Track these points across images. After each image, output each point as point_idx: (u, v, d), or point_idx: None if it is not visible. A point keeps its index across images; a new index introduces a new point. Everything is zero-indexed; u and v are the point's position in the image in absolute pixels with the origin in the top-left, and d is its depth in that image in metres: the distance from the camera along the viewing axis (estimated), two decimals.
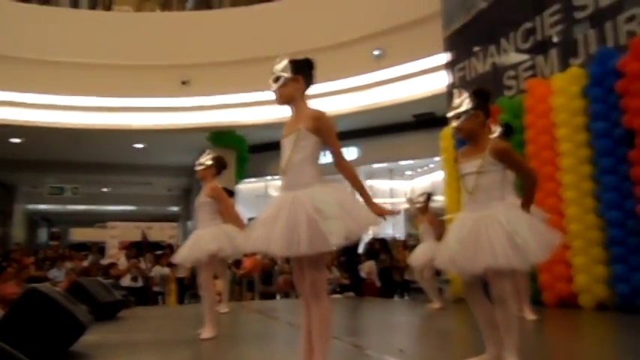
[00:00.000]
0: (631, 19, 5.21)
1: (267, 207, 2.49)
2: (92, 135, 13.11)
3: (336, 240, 2.21)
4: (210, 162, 4.20)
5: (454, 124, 2.78)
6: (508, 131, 4.86)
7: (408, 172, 16.04)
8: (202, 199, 4.09)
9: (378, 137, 14.32)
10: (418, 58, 11.51)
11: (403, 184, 16.53)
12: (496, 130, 4.77)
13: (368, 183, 17.07)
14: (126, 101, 12.71)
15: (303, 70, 2.54)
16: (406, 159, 14.89)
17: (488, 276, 2.55)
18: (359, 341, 3.58)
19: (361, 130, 14.52)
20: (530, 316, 4.44)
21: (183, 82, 12.76)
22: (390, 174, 16.72)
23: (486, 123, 2.87)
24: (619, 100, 4.92)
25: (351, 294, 8.65)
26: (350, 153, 15.94)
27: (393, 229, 15.74)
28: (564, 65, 6.01)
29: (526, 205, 2.67)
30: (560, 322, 4.90)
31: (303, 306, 2.43)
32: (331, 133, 2.45)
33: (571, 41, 6.03)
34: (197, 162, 4.25)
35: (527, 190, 2.72)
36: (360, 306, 6.85)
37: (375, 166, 16.42)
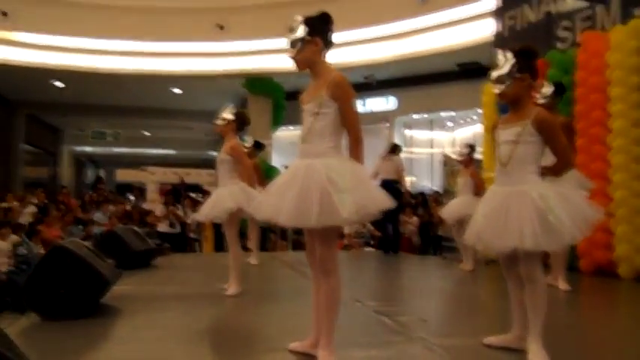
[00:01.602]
0: None
1: (282, 174, 2.40)
2: (130, 79, 13.22)
3: (347, 214, 2.10)
4: (230, 117, 4.07)
5: (496, 89, 2.55)
6: (560, 91, 4.51)
7: (450, 124, 15.56)
8: (222, 156, 4.03)
9: (418, 87, 13.86)
10: (464, 3, 10.84)
11: (444, 135, 16.09)
12: (548, 89, 4.43)
13: (407, 133, 16.74)
14: (162, 45, 12.66)
15: (320, 29, 2.34)
16: (447, 110, 14.41)
17: (518, 254, 2.41)
18: (381, 307, 3.53)
19: (401, 79, 14.06)
20: (563, 286, 4.27)
21: (220, 27, 12.53)
22: (431, 124, 16.29)
23: (533, 86, 2.63)
24: None
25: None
26: (389, 102, 15.57)
27: (431, 182, 15.51)
28: (627, 16, 5.47)
29: (544, 173, 2.46)
30: (596, 293, 4.74)
31: (312, 279, 2.37)
32: (349, 102, 2.28)
33: None
34: (217, 116, 4.12)
35: (555, 171, 2.51)
36: (390, 264, 6.82)
37: (415, 116, 16.00)
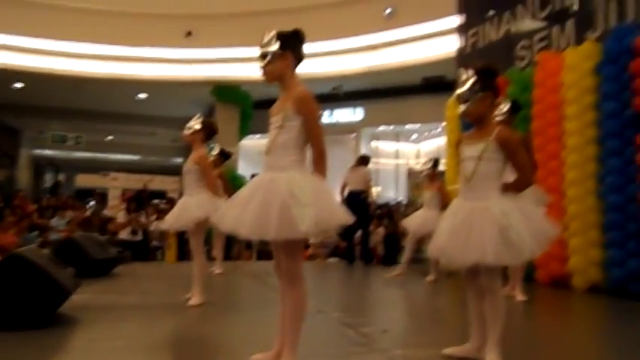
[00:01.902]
0: None
1: (244, 188, 2.42)
2: (95, 83, 12.98)
3: (305, 228, 2.13)
4: (198, 126, 4.06)
5: (461, 107, 2.64)
6: (515, 108, 4.69)
7: (415, 136, 15.86)
8: (189, 166, 4.02)
9: (384, 99, 14.10)
10: (430, 20, 11.13)
11: (409, 146, 16.38)
12: (505, 107, 4.60)
13: (373, 144, 16.94)
14: (129, 50, 12.51)
15: (292, 45, 2.39)
16: (413, 122, 14.69)
17: (480, 267, 2.49)
18: (344, 318, 3.58)
19: (368, 91, 14.26)
20: (520, 297, 4.42)
21: (188, 33, 12.45)
22: (397, 136, 16.55)
23: (495, 104, 2.73)
24: (632, 81, 4.71)
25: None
26: (356, 114, 15.75)
27: (395, 193, 15.73)
28: (580, 38, 5.75)
29: (506, 189, 2.54)
30: (551, 303, 4.90)
31: (280, 289, 2.39)
32: (313, 118, 2.31)
33: (589, 13, 5.74)
34: (186, 125, 4.11)
35: (516, 187, 2.57)
36: (355, 275, 6.89)
37: (381, 128, 16.23)
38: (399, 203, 12.37)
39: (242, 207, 2.26)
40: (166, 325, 3.36)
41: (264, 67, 2.40)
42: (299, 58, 2.43)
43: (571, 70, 5.38)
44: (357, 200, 7.05)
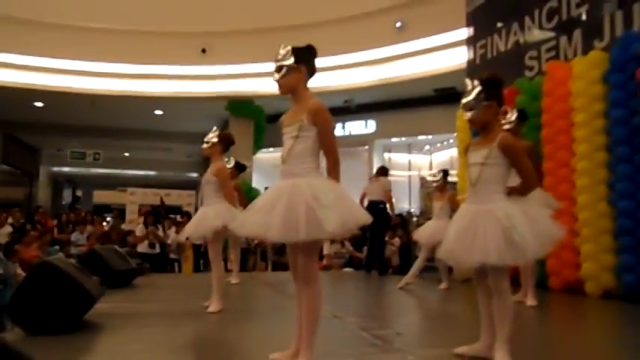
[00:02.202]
0: None
1: (264, 194, 2.55)
2: (111, 101, 13.31)
3: (332, 228, 2.25)
4: (215, 139, 4.24)
5: (467, 115, 2.75)
6: (522, 117, 4.80)
7: (427, 147, 15.92)
8: (208, 177, 4.17)
9: (396, 111, 14.23)
10: (440, 32, 11.28)
11: (422, 157, 16.44)
12: (512, 115, 4.71)
13: (386, 156, 17.03)
14: (145, 68, 12.83)
15: (306, 59, 2.55)
16: (425, 134, 14.78)
17: (487, 269, 2.59)
18: (359, 322, 3.67)
19: (380, 103, 14.41)
20: (531, 302, 4.48)
21: (203, 50, 12.76)
22: (409, 148, 16.63)
23: (499, 112, 2.84)
24: (639, 88, 4.79)
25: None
26: (368, 126, 15.89)
27: (409, 204, 15.76)
28: (588, 47, 5.83)
29: (510, 193, 2.64)
30: (563, 309, 4.94)
31: (296, 292, 2.50)
32: (327, 129, 2.46)
33: (596, 22, 5.84)
34: (205, 139, 4.29)
35: (520, 191, 2.69)
36: (370, 283, 6.96)
37: (394, 139, 16.32)
38: (410, 214, 12.42)
39: (267, 212, 2.37)
40: (187, 330, 3.49)
41: (279, 80, 2.55)
42: (312, 71, 2.58)
43: (579, 79, 5.46)
44: (377, 210, 7.12)
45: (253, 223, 2.44)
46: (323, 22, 12.46)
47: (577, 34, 6.07)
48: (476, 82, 2.73)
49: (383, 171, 8.00)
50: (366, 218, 2.40)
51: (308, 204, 2.28)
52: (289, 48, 2.55)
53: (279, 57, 2.56)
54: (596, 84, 5.31)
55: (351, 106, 14.49)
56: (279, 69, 2.55)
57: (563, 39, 6.26)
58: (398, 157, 16.98)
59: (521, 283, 4.64)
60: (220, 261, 4.18)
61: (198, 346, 3.16)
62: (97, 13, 12.48)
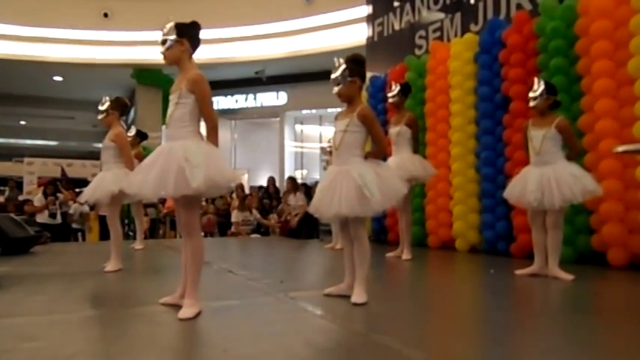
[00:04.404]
0: None
1: (150, 155, 2.81)
2: (4, 65, 12.47)
3: (196, 184, 2.52)
4: (108, 107, 4.37)
5: (335, 90, 3.15)
6: (406, 90, 5.34)
7: None
8: (107, 143, 4.32)
9: (307, 83, 14.59)
10: (346, 8, 11.72)
11: (333, 130, 17.00)
12: (395, 89, 5.23)
13: (298, 128, 17.42)
14: (40, 31, 12.13)
15: (188, 33, 2.81)
16: (335, 106, 15.21)
17: (349, 220, 3.04)
18: (249, 275, 4.06)
19: (290, 75, 14.71)
20: (406, 256, 5.11)
21: (105, 15, 12.28)
22: (320, 120, 17.13)
23: (361, 87, 3.27)
24: (501, 69, 5.50)
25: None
26: (280, 98, 16.15)
27: (319, 175, 16.35)
28: (466, 30, 6.51)
29: (370, 157, 3.10)
30: (433, 261, 5.61)
31: (182, 243, 2.83)
32: (204, 97, 2.73)
33: (472, 7, 6.51)
34: (99, 108, 4.39)
35: (375, 155, 3.14)
36: (272, 246, 7.39)
37: (305, 112, 16.73)
38: (317, 183, 12.95)
39: (146, 172, 2.68)
40: (86, 285, 3.69)
41: (163, 52, 2.81)
42: (195, 44, 2.85)
43: (455, 59, 6.12)
44: None
45: (134, 182, 2.74)
46: None
47: (457, 17, 6.73)
48: (341, 61, 3.13)
49: None
50: (235, 177, 2.75)
51: (179, 164, 2.56)
52: (172, 24, 2.80)
53: (165, 31, 2.81)
54: (469, 64, 6.00)
55: (262, 77, 14.66)
56: (163, 42, 2.80)
57: (447, 21, 6.91)
58: (309, 129, 17.43)
59: (400, 242, 5.27)
60: (117, 224, 4.37)
61: (98, 297, 3.39)
62: None
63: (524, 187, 3.93)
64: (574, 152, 3.99)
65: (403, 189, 3.10)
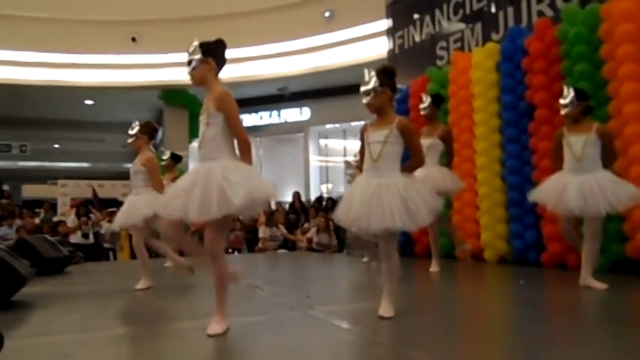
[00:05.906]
0: (540, 0, 5.68)
1: (185, 177, 2.80)
2: (38, 91, 12.96)
3: (238, 202, 2.53)
4: (138, 131, 4.45)
5: (364, 100, 3.15)
6: (437, 101, 5.30)
7: None
8: (136, 167, 4.39)
9: (330, 98, 14.69)
10: (366, 22, 11.80)
11: (357, 143, 16.99)
12: (426, 100, 5.21)
13: (322, 142, 17.49)
14: (73, 57, 12.58)
15: (214, 52, 2.83)
16: (358, 120, 15.31)
17: (382, 234, 2.99)
18: (276, 290, 4.08)
19: (314, 90, 14.84)
20: (433, 268, 5.05)
21: (133, 39, 12.66)
22: (344, 134, 17.16)
23: (392, 98, 3.27)
24: (524, 76, 5.45)
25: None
26: (303, 113, 16.29)
27: (345, 189, 16.34)
28: (487, 39, 6.48)
29: (406, 170, 3.08)
30: (463, 273, 5.54)
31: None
32: (231, 114, 2.73)
33: (493, 17, 6.48)
34: (129, 132, 4.49)
35: (411, 167, 3.11)
36: (299, 261, 7.41)
37: (328, 126, 16.80)
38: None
39: (186, 196, 2.62)
40: (117, 303, 3.78)
41: (190, 73, 2.87)
42: (221, 63, 2.89)
43: (477, 68, 6.09)
44: None
45: (175, 206, 2.66)
46: (255, 12, 12.69)
47: (478, 27, 6.71)
48: (372, 73, 3.14)
49: None
50: (272, 192, 2.77)
51: (219, 184, 2.56)
52: (197, 43, 2.86)
53: (190, 51, 2.87)
54: (491, 72, 5.96)
55: (285, 93, 14.83)
56: (189, 62, 2.86)
57: (467, 31, 6.90)
58: (333, 144, 17.48)
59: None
60: (142, 248, 4.40)
61: (129, 315, 3.46)
62: (22, 0, 12.08)
63: (561, 193, 3.82)
64: (612, 158, 3.92)
65: (439, 203, 3.06)
